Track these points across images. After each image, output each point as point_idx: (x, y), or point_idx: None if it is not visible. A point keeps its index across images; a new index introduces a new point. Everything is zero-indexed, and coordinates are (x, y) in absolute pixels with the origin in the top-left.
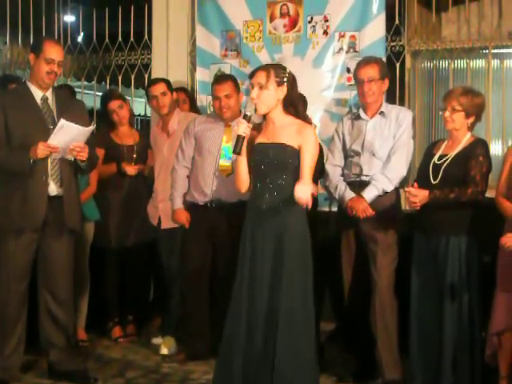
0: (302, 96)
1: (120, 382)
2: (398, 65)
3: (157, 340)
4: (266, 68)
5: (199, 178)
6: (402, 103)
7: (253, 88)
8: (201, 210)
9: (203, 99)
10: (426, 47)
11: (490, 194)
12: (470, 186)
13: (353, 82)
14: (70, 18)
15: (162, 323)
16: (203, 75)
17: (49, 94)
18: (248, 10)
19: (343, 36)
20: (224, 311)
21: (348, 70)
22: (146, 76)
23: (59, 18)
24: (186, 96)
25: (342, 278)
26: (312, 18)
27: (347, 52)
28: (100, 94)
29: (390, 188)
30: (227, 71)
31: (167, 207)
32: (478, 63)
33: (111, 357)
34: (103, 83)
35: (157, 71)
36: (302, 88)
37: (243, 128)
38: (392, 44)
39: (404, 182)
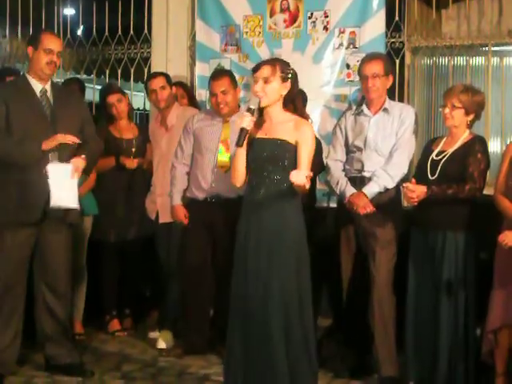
0: (301, 91)
1: (116, 375)
2: (397, 61)
3: (154, 334)
4: (272, 62)
5: (198, 175)
6: (401, 100)
7: (257, 82)
8: (200, 205)
9: (202, 94)
10: (425, 44)
11: (487, 191)
12: (467, 182)
13: (352, 77)
14: (69, 11)
15: (160, 317)
16: (203, 70)
17: (48, 86)
18: (248, 4)
19: (343, 32)
20: (223, 306)
21: (348, 66)
22: (146, 70)
23: (59, 11)
24: (184, 91)
25: (339, 273)
26: (312, 14)
27: (347, 48)
28: (99, 87)
29: (391, 185)
30: (227, 66)
31: (165, 201)
32: (478, 60)
33: (108, 350)
34: (102, 77)
35: (156, 65)
36: (302, 83)
37: (247, 121)
38: (392, 40)
39: (405, 179)
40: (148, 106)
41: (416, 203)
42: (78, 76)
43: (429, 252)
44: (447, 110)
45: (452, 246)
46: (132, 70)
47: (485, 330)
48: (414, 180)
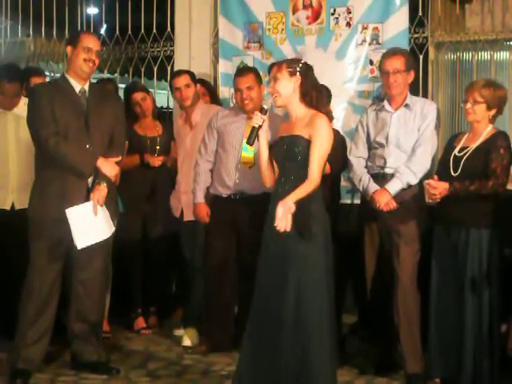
0: (325, 88)
1: (142, 373)
2: (421, 57)
3: (179, 331)
4: (278, 62)
5: (222, 171)
6: (425, 95)
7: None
8: (224, 202)
9: (225, 91)
10: (449, 39)
11: (511, 186)
12: (490, 178)
13: (376, 73)
14: (93, 10)
15: (185, 315)
16: (226, 67)
17: (86, 86)
18: (271, 1)
19: (366, 28)
20: (247, 303)
21: (371, 62)
22: (169, 68)
23: (82, 10)
24: (206, 88)
25: (363, 270)
26: (335, 10)
27: (370, 44)
28: (123, 86)
29: (414, 181)
30: (250, 63)
31: (190, 199)
32: (502, 55)
33: (133, 348)
34: (126, 75)
35: (179, 63)
36: (325, 80)
37: (257, 119)
38: (415, 36)
39: (428, 176)
40: (172, 103)
41: (438, 200)
42: (102, 75)
43: (452, 249)
44: (469, 105)
45: (475, 243)
46: (155, 69)
47: (510, 327)
48: (436, 177)
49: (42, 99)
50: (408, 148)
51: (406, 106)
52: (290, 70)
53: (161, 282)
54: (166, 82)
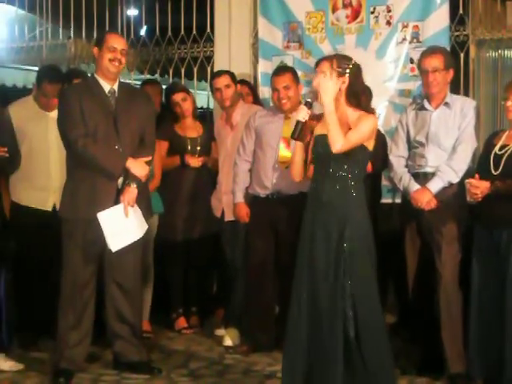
0: (367, 88)
1: (183, 372)
2: (462, 55)
3: (220, 331)
4: (329, 58)
5: (260, 171)
6: (466, 93)
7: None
8: (262, 202)
9: (266, 91)
10: (490, 36)
11: None
12: None
13: (416, 72)
14: (133, 12)
15: (226, 315)
16: (266, 67)
17: (116, 86)
18: (310, 1)
19: (406, 26)
20: (288, 302)
21: (411, 61)
22: (209, 68)
23: (122, 12)
24: (249, 89)
25: (404, 269)
26: (375, 9)
27: (410, 42)
28: (163, 87)
29: (455, 180)
30: (289, 63)
31: (230, 199)
32: None
33: (175, 348)
34: (166, 76)
35: (219, 64)
36: (365, 79)
37: (303, 114)
38: (456, 33)
39: (468, 174)
40: (211, 104)
41: (480, 199)
42: (142, 76)
43: (493, 248)
44: (509, 103)
45: None
46: (195, 69)
47: None
48: (477, 175)
49: (70, 101)
50: (448, 146)
51: (446, 104)
52: (340, 69)
53: (202, 282)
54: (206, 82)
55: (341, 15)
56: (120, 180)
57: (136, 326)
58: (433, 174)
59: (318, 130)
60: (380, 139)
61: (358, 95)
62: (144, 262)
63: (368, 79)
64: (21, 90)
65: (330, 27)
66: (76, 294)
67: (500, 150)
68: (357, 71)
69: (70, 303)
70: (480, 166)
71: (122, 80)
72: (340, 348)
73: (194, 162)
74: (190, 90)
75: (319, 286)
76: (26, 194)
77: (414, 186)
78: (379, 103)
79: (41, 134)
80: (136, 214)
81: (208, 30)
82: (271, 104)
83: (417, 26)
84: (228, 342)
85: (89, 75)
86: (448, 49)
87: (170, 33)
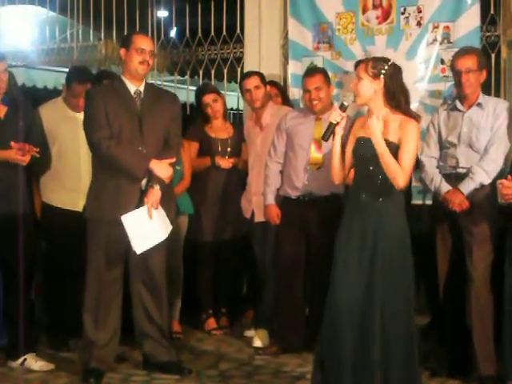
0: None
1: (213, 373)
2: (493, 55)
3: (250, 332)
4: (366, 60)
5: (291, 173)
6: (497, 94)
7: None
8: (293, 204)
9: (296, 92)
10: None
11: None
12: None
13: (447, 73)
14: (162, 14)
15: (255, 316)
16: (296, 68)
17: (142, 87)
18: (340, 2)
19: (437, 27)
20: (318, 304)
21: (442, 62)
22: (239, 70)
23: (152, 14)
24: (278, 90)
25: (435, 271)
26: (405, 9)
27: (441, 43)
28: (193, 88)
29: (487, 181)
30: (319, 64)
31: (261, 200)
32: None
33: (205, 349)
34: (196, 77)
35: (249, 65)
36: None
37: (336, 115)
38: (487, 34)
39: (501, 175)
40: (241, 105)
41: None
42: (172, 77)
43: None
44: None
45: None
46: (225, 70)
47: None
48: (510, 176)
49: (95, 102)
50: (480, 147)
51: (479, 105)
52: (375, 71)
53: (232, 283)
54: (236, 83)
55: (371, 16)
56: (144, 181)
57: (163, 326)
58: (464, 175)
59: (359, 132)
60: None
61: (396, 96)
62: (173, 262)
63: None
64: (51, 92)
65: (360, 28)
66: (100, 293)
67: None
68: (393, 72)
69: (94, 303)
70: None
71: (152, 81)
72: (375, 351)
73: (225, 163)
74: (221, 91)
75: (355, 288)
76: (57, 194)
77: (446, 187)
78: (410, 104)
79: (71, 135)
80: (160, 215)
81: (238, 31)
82: (301, 105)
83: (448, 27)
84: (258, 343)
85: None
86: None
87: (200, 34)
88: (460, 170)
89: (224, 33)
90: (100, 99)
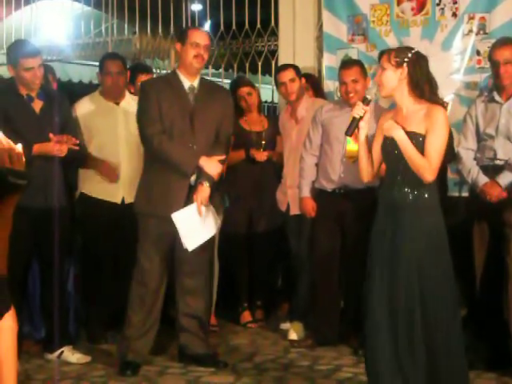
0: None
1: (248, 366)
2: None
3: (285, 325)
4: (388, 50)
5: (327, 165)
6: None
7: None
8: (329, 196)
9: (330, 85)
10: None
11: None
12: None
13: (483, 64)
14: (197, 7)
15: (291, 308)
16: (330, 60)
17: (196, 83)
18: None
19: (473, 18)
20: (353, 297)
21: (478, 53)
22: (273, 62)
23: (187, 7)
24: (309, 83)
25: (472, 263)
26: (440, 1)
27: (477, 34)
28: (227, 81)
29: None
30: (354, 56)
31: (296, 193)
32: None
33: (240, 342)
34: (230, 71)
35: (283, 57)
36: (431, 71)
37: (358, 110)
38: None
39: None
40: (276, 98)
41: None
42: (207, 71)
43: None
44: None
45: None
46: (260, 63)
47: None
48: None
49: (149, 96)
50: None
51: None
52: (397, 60)
53: (267, 276)
54: (271, 76)
55: (406, 7)
56: (193, 178)
57: (203, 320)
58: (502, 167)
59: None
60: None
61: (420, 84)
62: (208, 255)
63: (433, 72)
64: (87, 86)
65: (395, 20)
66: (147, 288)
67: None
68: (417, 60)
69: (140, 297)
70: None
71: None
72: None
73: (260, 156)
74: (255, 84)
75: (391, 285)
76: (97, 185)
77: (483, 179)
78: (445, 96)
79: (110, 128)
80: (209, 211)
81: (272, 23)
82: (335, 98)
83: (483, 18)
84: (293, 335)
85: (164, 71)
86: None
87: (234, 27)
88: (498, 162)
89: (258, 26)
90: (154, 93)
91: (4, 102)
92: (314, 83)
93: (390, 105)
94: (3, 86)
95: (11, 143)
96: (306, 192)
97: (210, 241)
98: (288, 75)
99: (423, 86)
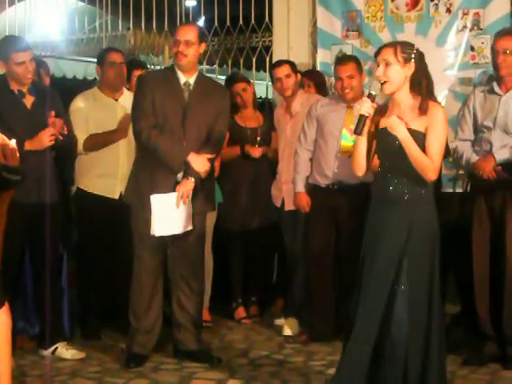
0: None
1: (243, 362)
2: None
3: (280, 321)
4: (392, 44)
5: (321, 161)
6: None
7: (378, 66)
8: (323, 192)
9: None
10: None
11: None
12: None
13: (477, 60)
14: (191, 3)
15: (285, 304)
16: (324, 56)
17: (192, 79)
18: None
19: (467, 13)
20: (347, 293)
21: (472, 49)
22: (268, 58)
23: (181, 3)
24: (311, 80)
25: (466, 259)
26: None
27: (471, 30)
28: (222, 77)
29: None
30: (348, 52)
31: (291, 189)
32: None
33: (234, 337)
34: (225, 66)
35: (278, 53)
36: None
37: (366, 107)
38: None
39: None
40: (270, 94)
41: None
42: (201, 67)
43: None
44: None
45: None
46: (254, 59)
47: None
48: None
49: (144, 90)
50: None
51: None
52: (405, 55)
53: (261, 272)
54: (265, 72)
55: (400, 3)
56: (180, 174)
57: (196, 316)
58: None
59: (383, 122)
60: None
61: (421, 82)
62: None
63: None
64: (81, 82)
65: (389, 15)
66: (144, 279)
67: None
68: (420, 57)
69: (139, 288)
70: None
71: None
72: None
73: (255, 152)
74: (249, 79)
75: (380, 285)
76: (94, 181)
77: (476, 157)
78: (440, 92)
79: (109, 123)
80: (187, 210)
81: (266, 19)
82: (330, 93)
83: (477, 14)
84: (287, 331)
85: (158, 67)
86: None
87: (228, 23)
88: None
89: (253, 21)
90: (148, 87)
91: None
92: (317, 80)
93: (385, 100)
94: None
95: (5, 139)
96: (301, 187)
97: (202, 238)
98: (284, 71)
99: (423, 83)
